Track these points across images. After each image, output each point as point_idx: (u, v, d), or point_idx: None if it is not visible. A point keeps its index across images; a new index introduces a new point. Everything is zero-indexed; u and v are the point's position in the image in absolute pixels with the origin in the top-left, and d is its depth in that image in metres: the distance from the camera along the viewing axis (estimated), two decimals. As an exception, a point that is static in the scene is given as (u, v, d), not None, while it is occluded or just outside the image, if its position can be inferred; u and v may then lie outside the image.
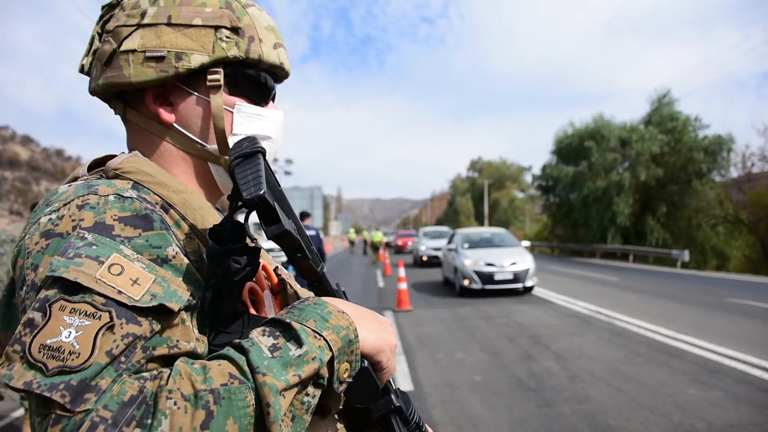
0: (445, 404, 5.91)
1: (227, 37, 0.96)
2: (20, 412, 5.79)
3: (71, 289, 0.70)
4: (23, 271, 0.76)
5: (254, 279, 0.95)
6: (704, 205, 32.85)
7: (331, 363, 0.76)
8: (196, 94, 0.98)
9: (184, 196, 0.91)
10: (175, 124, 0.98)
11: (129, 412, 0.64)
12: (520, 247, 16.38)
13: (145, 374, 0.69)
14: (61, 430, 0.63)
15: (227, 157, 0.98)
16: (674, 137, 34.12)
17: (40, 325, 0.67)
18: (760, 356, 7.35)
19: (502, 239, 17.28)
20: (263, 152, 0.82)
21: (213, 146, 1.00)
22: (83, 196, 0.80)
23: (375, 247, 31.51)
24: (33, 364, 0.65)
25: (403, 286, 13.01)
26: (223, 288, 0.80)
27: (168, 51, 0.93)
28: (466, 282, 14.65)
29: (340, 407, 0.87)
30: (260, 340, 0.74)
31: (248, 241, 0.82)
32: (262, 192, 0.75)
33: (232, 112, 1.00)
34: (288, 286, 1.05)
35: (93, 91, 1.01)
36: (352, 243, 48.10)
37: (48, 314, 0.68)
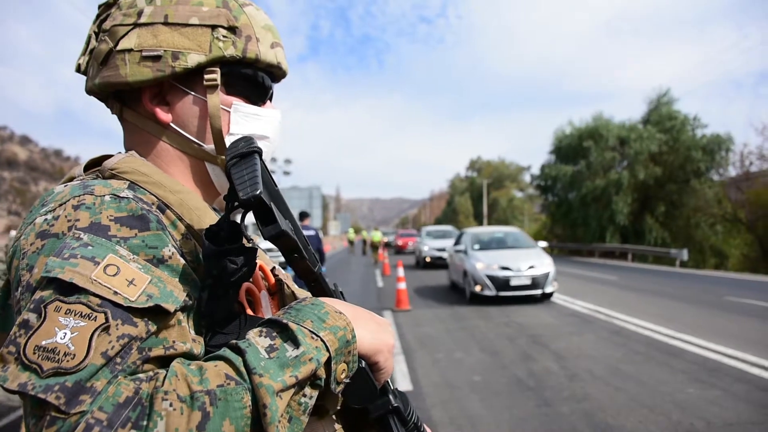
0: (444, 404, 5.91)
1: (224, 36, 0.95)
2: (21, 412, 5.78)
3: (66, 290, 0.69)
4: (18, 272, 0.76)
5: (251, 279, 0.95)
6: (703, 204, 32.89)
7: (328, 364, 0.76)
8: (193, 93, 0.97)
9: (180, 196, 0.90)
10: (171, 124, 0.98)
11: (124, 414, 0.63)
12: (537, 248, 14.89)
13: (140, 375, 0.69)
14: (56, 431, 0.63)
15: (224, 157, 0.98)
16: (672, 136, 34.16)
17: (35, 326, 0.67)
18: (758, 355, 7.35)
19: (516, 239, 15.73)
20: (259, 152, 0.82)
21: (210, 146, 0.99)
22: (79, 196, 0.80)
23: (375, 246, 31.48)
24: (28, 366, 0.65)
25: (402, 285, 13.00)
26: (219, 288, 0.80)
27: (164, 50, 0.92)
28: (477, 288, 13.08)
29: (338, 408, 0.87)
30: (257, 340, 0.74)
31: (245, 241, 0.82)
32: (258, 192, 0.75)
33: (229, 112, 0.99)
34: (285, 287, 1.05)
35: (89, 91, 1.00)
36: (351, 243, 48.00)
37: (43, 315, 0.68)
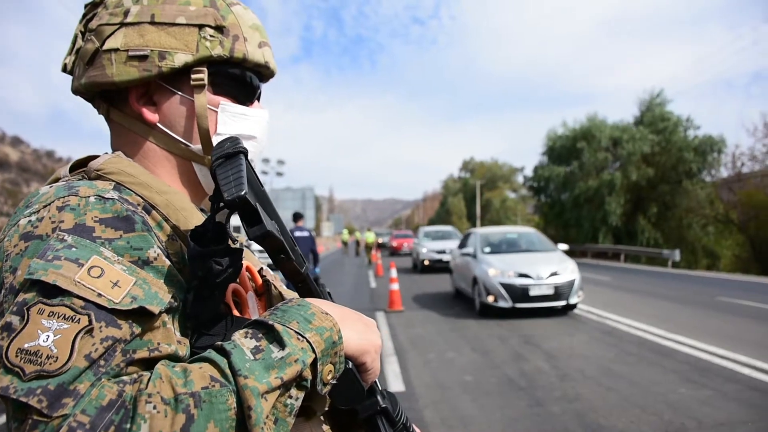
0: (436, 404, 5.91)
1: (211, 35, 0.95)
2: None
3: (50, 292, 0.69)
4: (2, 274, 0.75)
5: (238, 280, 0.94)
6: (695, 204, 33.04)
7: (314, 365, 0.75)
8: (179, 93, 0.96)
9: (167, 197, 0.90)
10: (158, 124, 0.97)
11: (107, 417, 0.63)
12: (558, 252, 12.90)
13: (124, 378, 0.68)
14: None
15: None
16: (665, 137, 34.31)
17: (18, 329, 0.66)
18: (749, 355, 7.39)
19: (531, 241, 13.81)
20: (245, 152, 0.81)
21: (197, 146, 0.99)
22: (64, 197, 0.79)
23: (369, 247, 31.44)
24: (10, 369, 0.64)
25: (395, 287, 12.98)
26: (205, 290, 0.79)
27: (151, 50, 0.91)
28: (489, 299, 11.24)
29: (326, 409, 0.86)
30: (242, 342, 0.73)
31: (231, 242, 0.82)
32: (243, 193, 0.74)
33: (216, 112, 0.99)
34: (272, 288, 1.04)
35: (76, 91, 1.00)
36: (345, 244, 47.89)
37: (26, 318, 0.67)
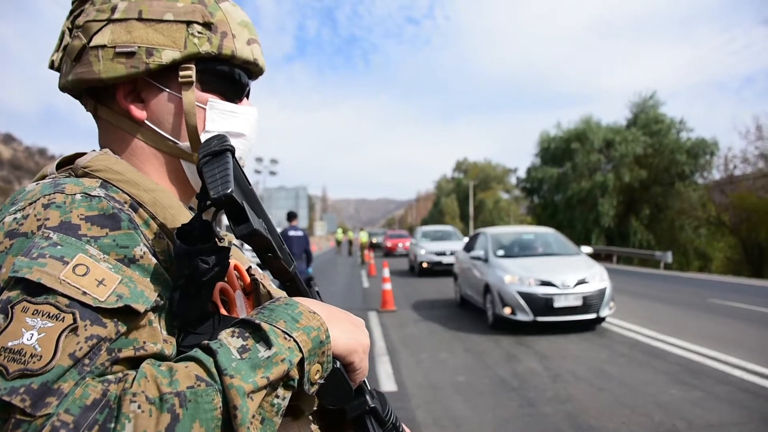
0: (428, 405, 5.91)
1: (199, 32, 0.94)
2: None
3: (34, 290, 0.68)
4: None
5: (225, 279, 0.94)
6: (687, 206, 33.19)
7: (301, 364, 0.75)
8: (167, 90, 0.95)
9: (154, 194, 0.89)
10: (146, 121, 0.96)
11: (91, 416, 0.62)
12: (583, 255, 11.29)
13: (109, 377, 0.68)
14: None
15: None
16: (658, 139, 34.45)
17: (2, 327, 0.66)
18: (740, 357, 7.41)
19: (550, 243, 12.00)
20: (232, 150, 0.81)
21: (185, 143, 0.98)
22: (49, 194, 0.78)
23: (362, 247, 31.38)
24: None
25: (388, 286, 12.99)
26: (191, 288, 0.79)
27: (138, 46, 0.91)
28: (506, 311, 9.60)
29: (314, 408, 0.86)
30: (229, 341, 0.73)
31: (218, 240, 0.81)
32: (229, 191, 0.74)
33: (204, 109, 0.98)
34: (261, 286, 1.03)
35: (63, 88, 0.99)
36: (339, 243, 47.79)
37: (10, 316, 0.66)
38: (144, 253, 0.79)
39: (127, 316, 0.72)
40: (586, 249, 12.28)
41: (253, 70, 1.05)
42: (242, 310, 0.94)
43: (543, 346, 8.51)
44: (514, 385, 6.49)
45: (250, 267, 1.07)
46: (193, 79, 0.95)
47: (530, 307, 9.38)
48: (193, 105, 0.95)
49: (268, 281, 1.08)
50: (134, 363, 0.72)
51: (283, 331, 0.75)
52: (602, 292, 9.62)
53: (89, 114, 1.02)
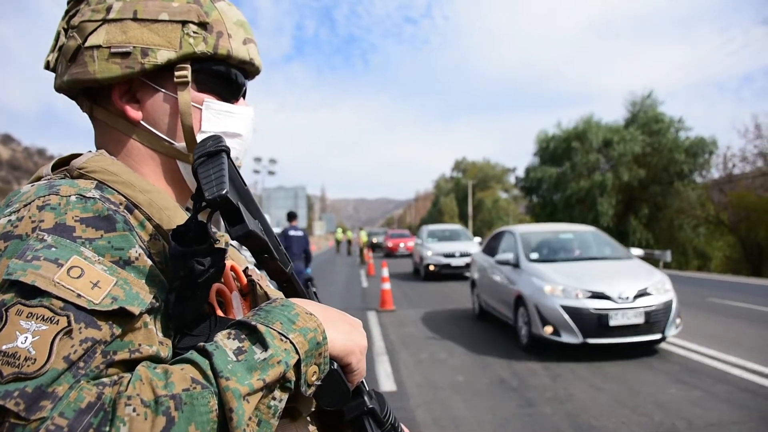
0: (428, 405, 5.91)
1: (194, 32, 0.93)
2: None
3: (29, 293, 0.68)
4: None
5: (222, 280, 0.93)
6: (686, 206, 33.23)
7: (298, 366, 0.75)
8: (163, 90, 0.95)
9: (150, 195, 0.88)
10: (142, 122, 0.96)
11: (86, 420, 0.62)
12: (636, 260, 9.22)
13: (104, 380, 0.67)
14: None
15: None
16: (656, 139, 34.49)
17: None
18: (740, 356, 7.41)
19: (591, 245, 9.88)
20: (227, 151, 0.80)
21: (181, 144, 0.97)
22: (44, 196, 0.78)
23: (362, 247, 31.24)
24: None
25: (387, 286, 12.98)
26: (187, 290, 0.78)
27: (134, 46, 0.90)
28: (547, 330, 7.66)
29: (312, 410, 0.85)
30: (225, 343, 0.72)
31: (214, 242, 0.81)
32: (224, 192, 0.73)
33: (200, 109, 0.97)
34: (258, 287, 1.03)
35: (59, 88, 0.98)
36: (338, 243, 47.65)
37: (4, 319, 0.66)
38: (139, 254, 0.78)
39: (122, 318, 0.72)
40: (636, 251, 10.02)
41: (250, 70, 1.05)
42: (239, 312, 0.94)
43: (543, 345, 8.49)
44: (513, 385, 6.48)
45: (247, 268, 1.07)
46: (189, 79, 0.94)
47: (579, 326, 7.40)
48: (188, 105, 0.95)
49: (265, 282, 1.07)
50: (130, 365, 0.71)
51: (279, 333, 0.74)
52: (668, 306, 7.68)
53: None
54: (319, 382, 0.79)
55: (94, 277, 0.72)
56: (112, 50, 0.90)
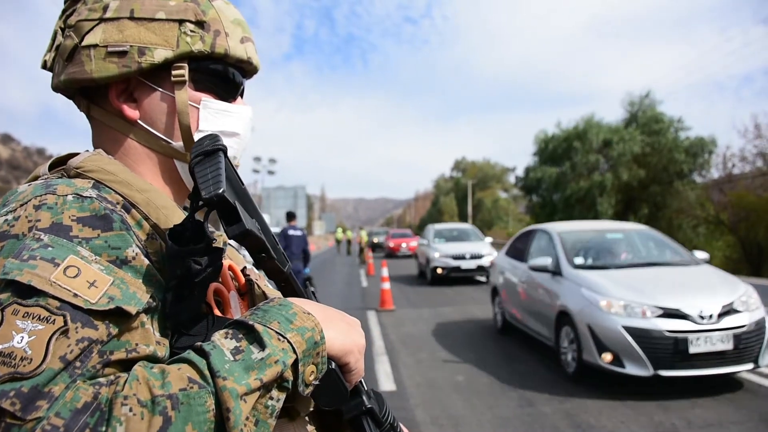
0: (427, 404, 5.91)
1: (192, 31, 0.93)
2: None
3: (25, 292, 0.68)
4: None
5: (219, 279, 0.93)
6: (685, 205, 33.23)
7: (295, 366, 0.75)
8: (160, 89, 0.95)
9: (147, 194, 0.88)
10: (139, 121, 0.96)
11: (82, 420, 0.62)
12: (707, 266, 7.33)
13: (100, 380, 0.67)
14: None
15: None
16: (656, 138, 34.51)
17: None
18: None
19: (642, 247, 8.05)
20: (224, 150, 0.80)
21: (179, 143, 0.97)
22: (41, 195, 0.78)
23: (362, 247, 31.16)
24: None
25: (387, 285, 12.97)
26: (184, 289, 0.78)
27: (131, 45, 0.90)
28: (606, 358, 6.02)
29: (310, 410, 0.85)
30: (222, 342, 0.72)
31: (213, 241, 0.80)
32: (221, 190, 0.73)
33: (198, 108, 0.97)
34: (256, 287, 1.03)
35: (56, 88, 0.98)
36: (339, 242, 47.56)
37: (0, 319, 0.66)
38: (136, 254, 0.78)
39: (119, 318, 0.72)
40: (701, 254, 7.68)
41: (247, 69, 1.05)
42: (237, 311, 0.94)
43: (543, 345, 8.49)
44: (513, 385, 6.48)
45: (245, 267, 1.07)
46: (186, 78, 0.94)
47: (649, 354, 5.72)
48: (186, 104, 0.95)
49: (263, 281, 1.07)
50: (126, 365, 0.71)
51: (276, 332, 0.74)
52: (761, 326, 5.95)
53: None
54: (317, 382, 0.79)
55: (91, 276, 0.71)
56: (109, 49, 0.90)
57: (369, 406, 0.93)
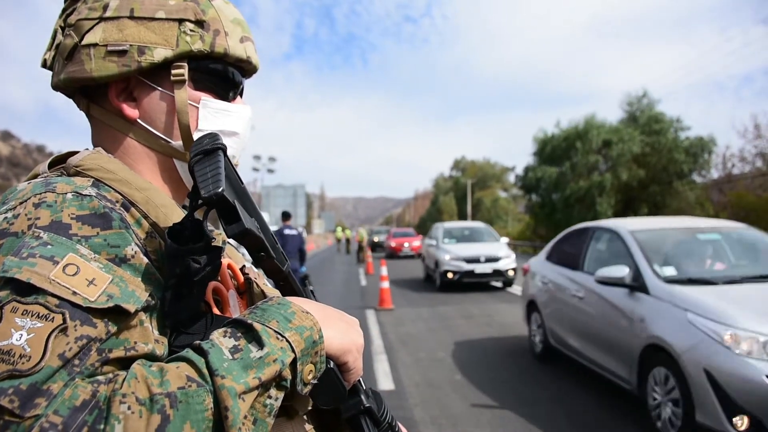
0: (426, 403, 5.91)
1: (191, 30, 0.94)
2: None
3: (24, 290, 0.68)
4: None
5: (218, 278, 0.93)
6: (685, 206, 33.20)
7: (293, 365, 0.75)
8: (159, 89, 0.95)
9: (146, 193, 0.88)
10: (138, 120, 0.96)
11: (80, 418, 0.62)
12: None
13: (99, 378, 0.67)
14: None
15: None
16: (656, 138, 34.50)
17: None
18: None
19: (745, 252, 5.83)
20: (224, 149, 0.80)
21: (178, 142, 0.98)
22: (40, 194, 0.78)
23: (362, 246, 31.07)
24: None
25: (385, 284, 12.97)
26: (183, 288, 0.78)
27: (130, 45, 0.90)
28: (739, 425, 3.87)
29: (309, 409, 0.85)
30: (221, 341, 0.72)
31: (212, 239, 0.81)
32: (220, 189, 0.74)
33: (197, 108, 0.98)
34: (255, 285, 1.03)
35: (55, 87, 0.98)
36: (338, 241, 47.42)
37: None
38: (135, 252, 0.78)
39: (118, 316, 0.72)
40: None
41: (247, 68, 1.05)
42: (235, 310, 0.94)
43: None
44: (512, 384, 6.48)
45: (244, 266, 1.07)
46: (186, 77, 0.94)
47: None
48: (185, 103, 0.95)
49: (262, 280, 1.07)
50: (125, 363, 0.71)
51: (275, 331, 0.75)
52: None
53: None
54: (315, 381, 0.79)
55: (90, 274, 0.71)
56: (109, 48, 0.90)
57: (367, 405, 0.93)
